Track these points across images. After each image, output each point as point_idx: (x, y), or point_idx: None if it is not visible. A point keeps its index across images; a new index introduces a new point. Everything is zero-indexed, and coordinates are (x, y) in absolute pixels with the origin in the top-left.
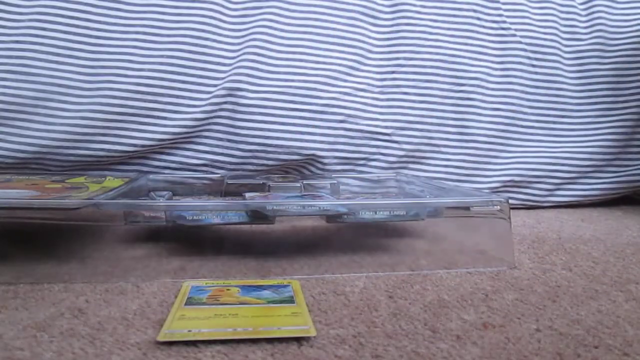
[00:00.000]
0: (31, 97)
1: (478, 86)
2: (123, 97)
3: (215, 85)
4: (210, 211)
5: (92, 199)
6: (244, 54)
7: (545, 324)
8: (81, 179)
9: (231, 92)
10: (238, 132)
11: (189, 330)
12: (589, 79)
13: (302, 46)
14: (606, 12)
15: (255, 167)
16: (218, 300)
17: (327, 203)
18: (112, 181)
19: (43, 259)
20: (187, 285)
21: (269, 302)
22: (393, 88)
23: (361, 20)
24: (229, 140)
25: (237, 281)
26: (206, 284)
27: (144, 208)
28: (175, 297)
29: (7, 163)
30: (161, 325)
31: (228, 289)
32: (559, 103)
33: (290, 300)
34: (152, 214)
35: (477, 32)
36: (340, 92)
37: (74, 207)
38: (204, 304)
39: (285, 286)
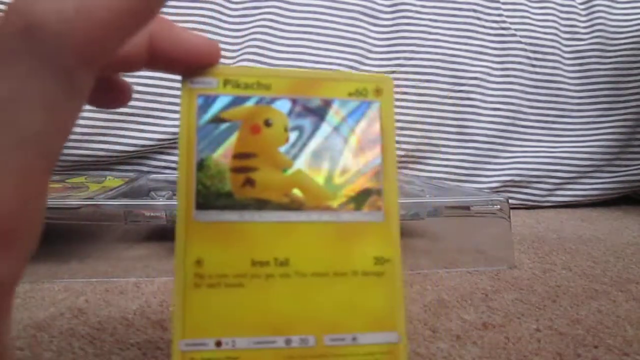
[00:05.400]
0: None
1: (478, 86)
2: None
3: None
4: None
5: (92, 199)
6: (243, 53)
7: (545, 324)
8: (81, 179)
9: None
10: None
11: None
12: (589, 79)
13: (302, 46)
14: (606, 12)
15: None
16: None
17: None
18: (112, 181)
19: (43, 259)
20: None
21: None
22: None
23: (361, 20)
24: None
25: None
26: (223, 89)
27: (144, 208)
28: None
29: None
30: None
31: (268, 116)
32: (559, 103)
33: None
34: (152, 214)
35: (477, 32)
36: None
37: (74, 207)
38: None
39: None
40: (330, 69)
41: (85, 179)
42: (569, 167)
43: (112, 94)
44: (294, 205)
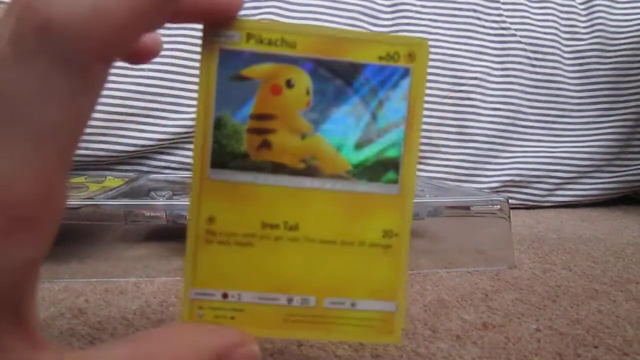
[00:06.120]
0: None
1: (478, 86)
2: (123, 97)
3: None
4: None
5: (92, 199)
6: None
7: (545, 324)
8: (81, 179)
9: None
10: None
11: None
12: (589, 79)
13: None
14: (606, 12)
15: None
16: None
17: None
18: (112, 181)
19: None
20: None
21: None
22: None
23: (361, 20)
24: None
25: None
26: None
27: (144, 208)
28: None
29: None
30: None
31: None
32: (559, 103)
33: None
34: (152, 214)
35: (477, 32)
36: None
37: (74, 207)
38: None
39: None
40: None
41: (85, 179)
42: (569, 167)
43: (140, 52)
44: (309, 172)
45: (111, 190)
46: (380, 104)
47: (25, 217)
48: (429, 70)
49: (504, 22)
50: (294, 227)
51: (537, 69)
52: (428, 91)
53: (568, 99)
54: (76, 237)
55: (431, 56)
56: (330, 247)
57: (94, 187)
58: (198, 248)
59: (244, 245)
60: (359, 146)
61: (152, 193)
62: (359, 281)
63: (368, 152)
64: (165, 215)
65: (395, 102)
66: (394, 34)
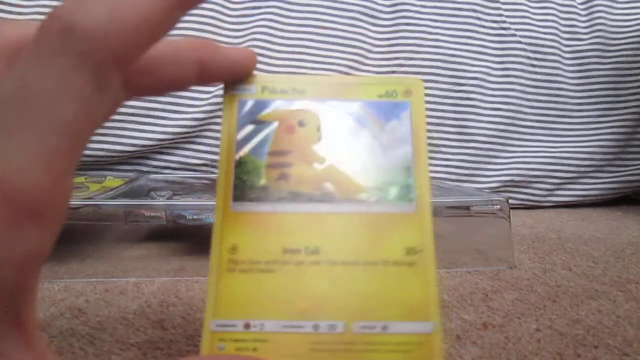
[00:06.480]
0: None
1: (478, 86)
2: None
3: (215, 85)
4: (211, 210)
5: (92, 199)
6: None
7: (545, 324)
8: (81, 179)
9: None
10: None
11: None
12: (589, 79)
13: (302, 46)
14: (606, 12)
15: None
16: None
17: None
18: (112, 181)
19: None
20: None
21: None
22: None
23: (361, 20)
24: None
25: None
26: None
27: (144, 208)
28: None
29: None
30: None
31: (302, 119)
32: (559, 103)
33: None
34: (152, 214)
35: (477, 32)
36: None
37: (74, 207)
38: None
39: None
40: (330, 69)
41: (85, 179)
42: (569, 167)
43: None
44: (326, 198)
45: (111, 190)
46: (386, 133)
47: (31, 208)
48: (429, 70)
49: (504, 22)
50: (315, 251)
51: (537, 69)
52: (428, 91)
53: (568, 99)
54: (76, 237)
55: (431, 56)
56: (354, 268)
57: (94, 187)
58: (220, 278)
59: (266, 272)
60: (370, 171)
61: (152, 193)
62: (388, 301)
63: (380, 176)
64: (165, 215)
65: (399, 130)
66: (390, 76)
